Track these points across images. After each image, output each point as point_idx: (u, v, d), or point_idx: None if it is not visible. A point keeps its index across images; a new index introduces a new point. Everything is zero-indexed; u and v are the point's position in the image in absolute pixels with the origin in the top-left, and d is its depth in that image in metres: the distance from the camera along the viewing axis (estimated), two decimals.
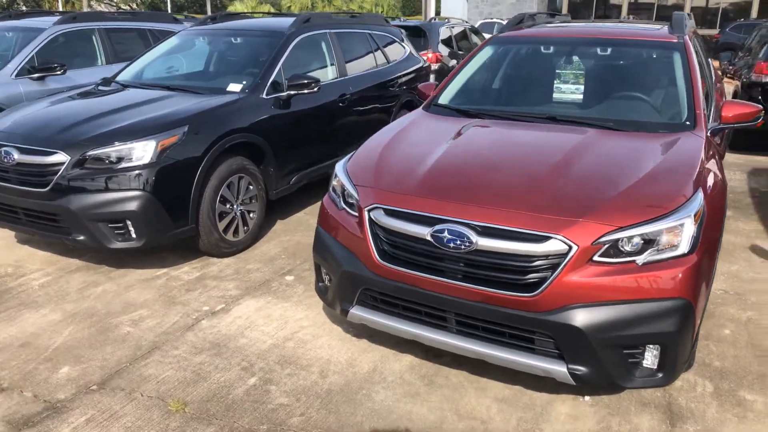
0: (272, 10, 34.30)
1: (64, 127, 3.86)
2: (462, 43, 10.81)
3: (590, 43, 4.03)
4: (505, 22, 5.00)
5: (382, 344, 3.16)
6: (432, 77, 8.46)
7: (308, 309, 3.56)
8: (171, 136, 3.79)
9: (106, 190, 3.64)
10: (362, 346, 3.17)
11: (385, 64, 6.34)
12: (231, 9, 34.59)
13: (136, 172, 3.65)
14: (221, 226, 4.15)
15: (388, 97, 6.20)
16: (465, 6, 39.19)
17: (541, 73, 4.10)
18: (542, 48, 4.16)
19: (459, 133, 3.27)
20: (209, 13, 38.67)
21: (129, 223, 3.68)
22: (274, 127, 4.58)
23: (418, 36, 9.56)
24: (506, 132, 3.36)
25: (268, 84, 4.62)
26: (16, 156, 3.74)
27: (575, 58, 4.01)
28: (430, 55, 9.16)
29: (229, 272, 4.07)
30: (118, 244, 3.73)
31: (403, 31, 7.21)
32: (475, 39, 11.64)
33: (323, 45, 5.53)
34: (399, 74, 6.45)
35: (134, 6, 43.31)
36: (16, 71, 5.95)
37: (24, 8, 34.16)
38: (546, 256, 2.37)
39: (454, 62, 10.11)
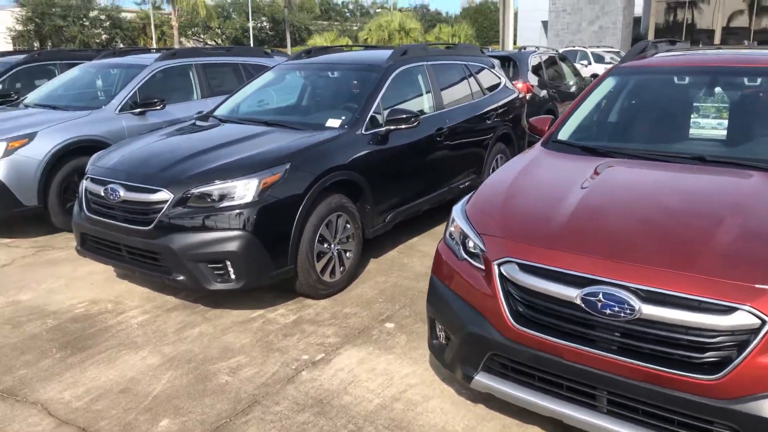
0: (349, 42, 35.16)
1: (168, 164, 3.83)
2: (549, 72, 10.43)
3: (732, 72, 3.62)
4: (587, 49, 4.69)
5: (501, 411, 2.81)
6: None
7: (414, 364, 3.26)
8: (273, 174, 3.66)
9: (207, 229, 3.54)
10: (479, 412, 2.83)
11: (481, 95, 6.07)
12: (310, 43, 35.74)
13: (237, 211, 3.53)
14: (319, 266, 3.97)
15: (485, 130, 5.91)
16: (542, 34, 38.53)
17: (675, 106, 3.68)
18: (675, 78, 3.74)
19: (594, 175, 2.88)
20: (289, 47, 40.23)
21: (229, 263, 3.55)
22: (372, 164, 4.39)
23: (506, 65, 9.25)
24: (650, 174, 2.97)
25: (367, 119, 4.45)
26: (122, 193, 3.73)
27: (717, 89, 3.57)
28: (520, 85, 8.81)
29: (326, 316, 3.86)
30: (218, 286, 3.61)
31: (496, 61, 6.95)
32: (564, 66, 11.21)
33: (420, 78, 5.34)
34: (495, 106, 6.15)
35: (219, 41, 45.74)
36: (119, 106, 6.14)
37: (122, 46, 36.82)
38: (731, 332, 1.98)
39: (544, 92, 9.75)
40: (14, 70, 8.15)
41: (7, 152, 5.21)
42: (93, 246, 4.07)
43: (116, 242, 3.84)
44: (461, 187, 5.51)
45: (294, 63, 5.68)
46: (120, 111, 6.11)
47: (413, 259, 4.88)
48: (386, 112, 4.55)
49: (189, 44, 41.98)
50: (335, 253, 4.12)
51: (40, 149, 5.37)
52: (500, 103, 6.27)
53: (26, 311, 4.01)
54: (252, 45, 39.21)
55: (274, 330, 3.68)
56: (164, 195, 3.59)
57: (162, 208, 3.59)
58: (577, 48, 21.60)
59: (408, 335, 3.59)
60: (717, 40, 28.06)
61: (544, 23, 33.82)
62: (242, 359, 3.34)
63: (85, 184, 4.06)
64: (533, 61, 9.87)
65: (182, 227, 3.55)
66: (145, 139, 4.56)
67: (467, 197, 2.98)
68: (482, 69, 6.36)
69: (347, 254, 4.26)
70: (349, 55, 5.94)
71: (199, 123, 5.01)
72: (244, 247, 3.52)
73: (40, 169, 5.35)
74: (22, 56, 8.83)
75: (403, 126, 4.50)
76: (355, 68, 5.20)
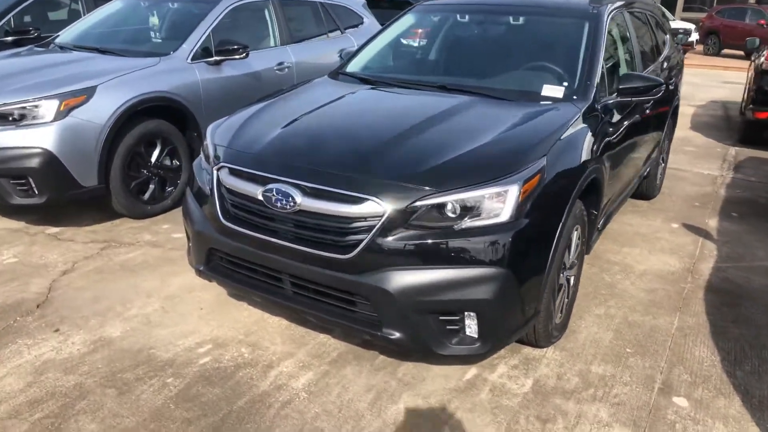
0: None
1: (366, 154, 2.50)
2: None
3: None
4: None
5: None
6: None
7: None
8: (532, 176, 2.36)
9: (445, 263, 2.26)
10: None
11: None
12: None
13: (490, 238, 2.25)
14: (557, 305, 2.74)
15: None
16: None
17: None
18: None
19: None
20: None
21: (469, 316, 2.30)
22: (603, 158, 3.10)
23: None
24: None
25: (594, 85, 3.14)
26: (299, 199, 2.39)
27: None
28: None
29: (574, 381, 2.66)
30: (453, 349, 2.35)
31: None
32: None
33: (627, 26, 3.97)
34: None
35: None
36: (191, 54, 4.68)
37: None
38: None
39: None
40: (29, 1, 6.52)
41: (60, 114, 3.78)
42: (228, 269, 2.75)
43: (277, 270, 2.54)
44: None
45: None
46: (192, 60, 4.67)
47: (616, 276, 3.68)
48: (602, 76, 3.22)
49: None
50: (565, 282, 2.89)
51: (103, 110, 3.95)
52: None
53: (128, 360, 2.74)
54: None
55: (514, 407, 2.47)
56: (375, 207, 2.28)
57: (371, 226, 2.28)
58: None
59: (724, 424, 2.43)
60: None
61: None
62: None
63: (218, 175, 2.71)
64: None
65: (404, 258, 2.26)
66: (294, 105, 3.17)
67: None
68: None
69: (572, 281, 3.03)
70: None
71: (360, 88, 3.53)
72: (499, 293, 2.26)
73: (103, 136, 3.95)
74: None
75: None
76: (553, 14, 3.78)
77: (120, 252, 3.85)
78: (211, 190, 2.70)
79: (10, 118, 3.75)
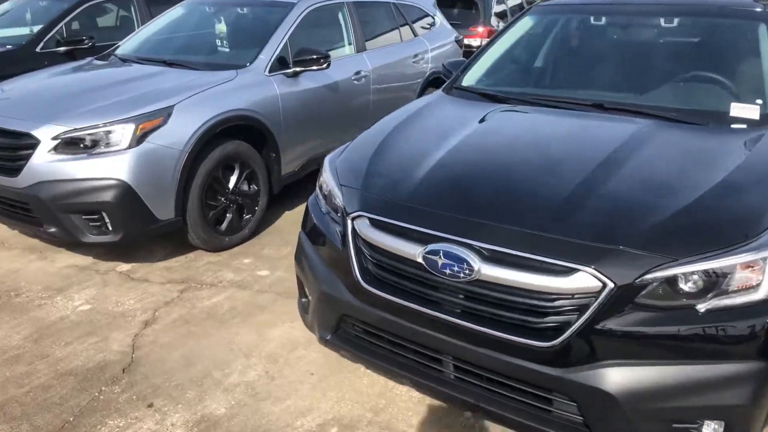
0: None
1: (559, 206, 1.93)
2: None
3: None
4: None
5: None
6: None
7: None
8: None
9: (680, 357, 1.70)
10: None
11: None
12: None
13: (747, 323, 1.68)
14: None
15: None
16: None
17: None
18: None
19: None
20: None
21: (710, 425, 1.74)
22: None
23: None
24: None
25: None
26: (477, 266, 1.85)
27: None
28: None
29: None
30: None
31: None
32: None
33: None
34: None
35: None
36: (269, 65, 4.19)
37: None
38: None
39: None
40: (88, 4, 6.11)
41: (136, 139, 3.33)
42: (364, 342, 2.22)
43: (437, 350, 2.01)
44: None
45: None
46: (269, 71, 4.18)
47: None
48: None
49: None
50: None
51: (181, 133, 3.48)
52: None
53: None
54: None
55: None
56: (590, 281, 1.73)
57: (583, 305, 1.73)
58: None
59: None
60: None
61: None
62: None
63: (354, 226, 2.18)
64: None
65: (628, 350, 1.72)
66: (424, 134, 2.62)
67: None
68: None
69: None
70: None
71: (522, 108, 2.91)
72: (758, 395, 1.70)
73: (181, 163, 3.48)
74: None
75: None
76: (716, 14, 3.17)
77: (202, 296, 3.38)
78: (344, 242, 2.19)
79: (81, 145, 3.30)
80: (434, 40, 6.09)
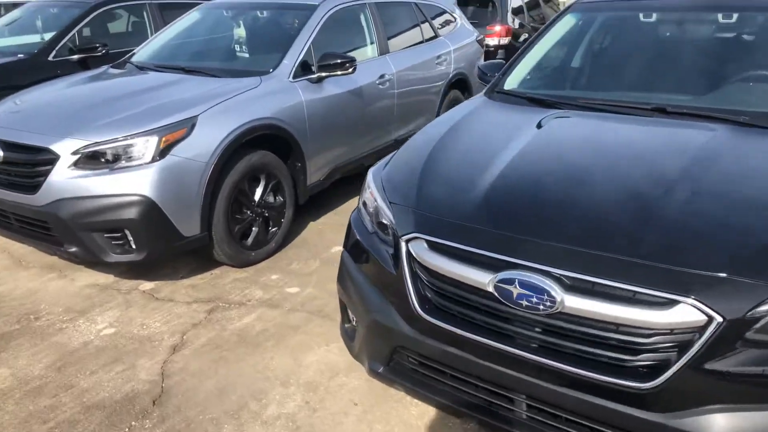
0: None
1: (650, 229, 1.70)
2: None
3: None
4: None
5: None
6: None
7: None
8: None
9: None
10: None
11: None
12: None
13: None
14: None
15: None
16: None
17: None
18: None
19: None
20: None
21: None
22: None
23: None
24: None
25: None
26: (560, 297, 1.65)
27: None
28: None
29: None
30: None
31: None
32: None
33: None
34: None
35: None
36: (292, 71, 4.01)
37: None
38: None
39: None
40: (99, 10, 5.96)
41: (160, 152, 3.15)
42: (422, 377, 2.03)
43: (508, 388, 1.81)
44: None
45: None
46: (293, 77, 3.99)
47: None
48: None
49: None
50: None
51: (205, 144, 3.30)
52: None
53: None
54: None
55: None
56: (693, 314, 1.50)
57: (685, 342, 1.52)
58: None
59: None
60: None
61: None
62: None
63: (409, 249, 1.99)
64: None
65: (740, 393, 1.51)
66: (474, 144, 2.40)
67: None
68: None
69: None
70: None
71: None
72: None
73: (206, 176, 3.30)
74: None
75: None
76: None
77: (232, 316, 3.20)
78: (397, 266, 1.98)
79: (102, 160, 3.13)
80: (456, 40, 5.90)
